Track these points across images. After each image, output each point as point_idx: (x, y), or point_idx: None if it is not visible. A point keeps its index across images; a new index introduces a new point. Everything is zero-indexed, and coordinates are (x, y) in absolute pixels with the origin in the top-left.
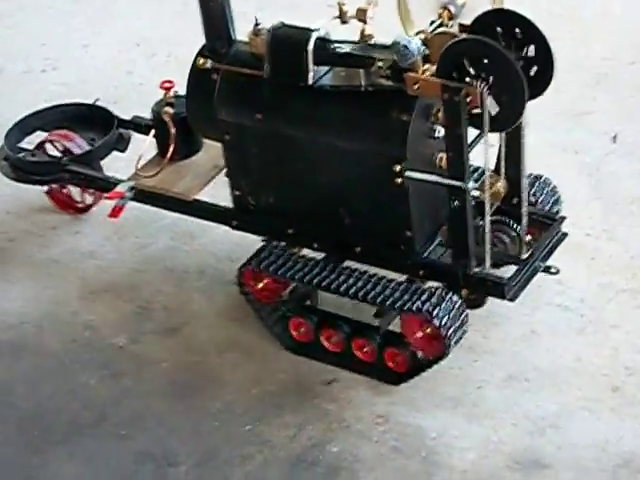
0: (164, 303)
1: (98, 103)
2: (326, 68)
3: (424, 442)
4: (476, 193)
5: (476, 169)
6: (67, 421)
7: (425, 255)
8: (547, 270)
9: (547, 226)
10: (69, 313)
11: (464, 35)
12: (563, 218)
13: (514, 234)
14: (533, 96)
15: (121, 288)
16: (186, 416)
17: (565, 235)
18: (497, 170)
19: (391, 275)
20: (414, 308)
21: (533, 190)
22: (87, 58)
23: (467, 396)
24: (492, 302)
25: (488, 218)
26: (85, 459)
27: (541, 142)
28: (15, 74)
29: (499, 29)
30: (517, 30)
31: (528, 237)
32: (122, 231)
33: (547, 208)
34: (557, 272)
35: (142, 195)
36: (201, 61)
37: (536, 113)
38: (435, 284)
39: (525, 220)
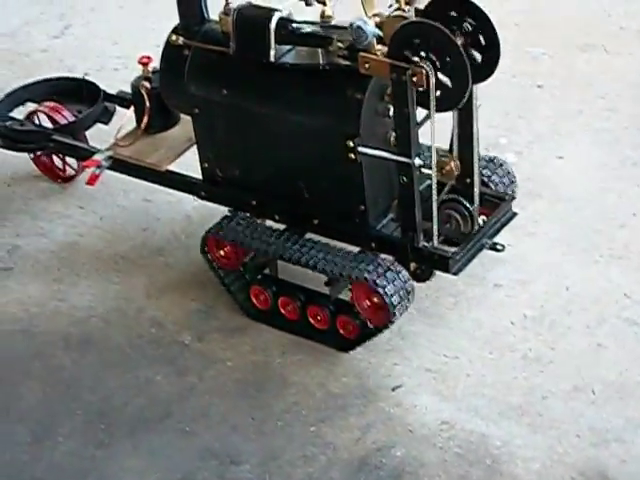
0: (230, 303)
1: (87, 78)
2: (289, 47)
3: (488, 450)
4: (427, 171)
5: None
6: (132, 416)
7: (378, 229)
8: (494, 247)
9: (497, 206)
10: (136, 309)
11: (413, 18)
12: (512, 197)
13: (466, 212)
14: (479, 80)
15: (188, 286)
16: (250, 415)
17: (514, 214)
18: (451, 150)
19: (348, 248)
20: (361, 278)
21: (487, 172)
22: (159, 57)
23: (532, 406)
24: (558, 314)
25: (435, 195)
26: (149, 454)
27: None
28: (88, 73)
29: (453, 14)
30: (467, 16)
31: (481, 216)
32: (190, 229)
33: (501, 189)
34: (503, 249)
35: (118, 164)
36: (174, 38)
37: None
38: (387, 257)
39: (477, 199)
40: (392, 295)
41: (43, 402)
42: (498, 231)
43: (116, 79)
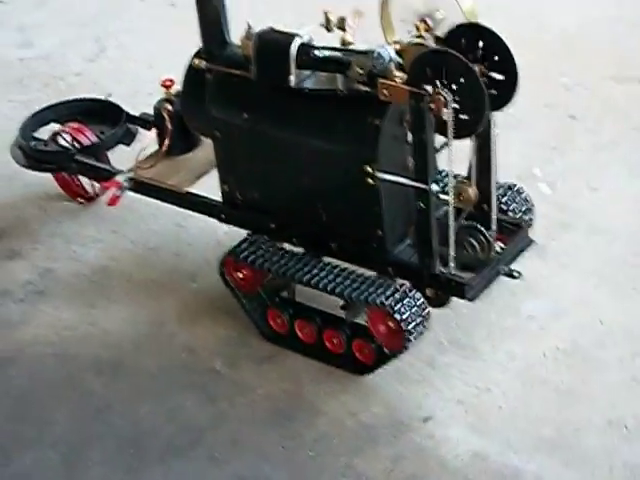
0: None
1: (110, 99)
2: (309, 72)
3: None
4: (445, 197)
5: (453, 175)
6: (163, 442)
7: (395, 254)
8: (510, 274)
9: (515, 233)
10: (167, 335)
11: (433, 46)
12: (529, 225)
13: (483, 239)
14: (496, 108)
15: (220, 312)
16: (280, 444)
17: (532, 241)
18: (469, 177)
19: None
20: (377, 302)
21: (505, 199)
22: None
23: (565, 439)
24: (591, 347)
25: (452, 221)
26: None
27: None
28: (123, 97)
29: (471, 42)
30: (487, 45)
31: (498, 243)
32: (222, 255)
33: (519, 216)
34: (519, 276)
35: (139, 186)
36: (196, 61)
37: None
38: (404, 282)
39: (494, 226)
40: (408, 320)
41: (74, 427)
42: (515, 258)
43: (150, 103)
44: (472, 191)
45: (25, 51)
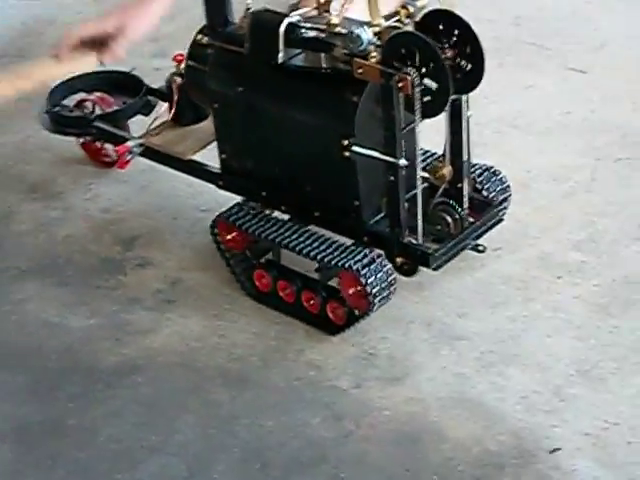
0: (389, 351)
1: (134, 72)
2: (297, 50)
3: None
4: (423, 173)
5: (432, 154)
6: (288, 458)
7: (371, 224)
8: (475, 248)
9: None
10: (295, 351)
11: (405, 29)
12: (500, 203)
13: (456, 215)
14: (466, 91)
15: (348, 331)
16: (405, 466)
17: (501, 219)
18: (444, 156)
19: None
20: (346, 266)
21: (481, 179)
22: None
23: None
24: None
25: (419, 193)
26: None
27: None
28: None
29: (442, 27)
30: (455, 30)
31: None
32: None
33: (493, 196)
34: (484, 250)
35: (148, 151)
36: (199, 37)
37: None
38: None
39: (466, 203)
40: (373, 284)
41: (199, 436)
42: (483, 233)
43: None
44: (447, 170)
45: (160, 61)
